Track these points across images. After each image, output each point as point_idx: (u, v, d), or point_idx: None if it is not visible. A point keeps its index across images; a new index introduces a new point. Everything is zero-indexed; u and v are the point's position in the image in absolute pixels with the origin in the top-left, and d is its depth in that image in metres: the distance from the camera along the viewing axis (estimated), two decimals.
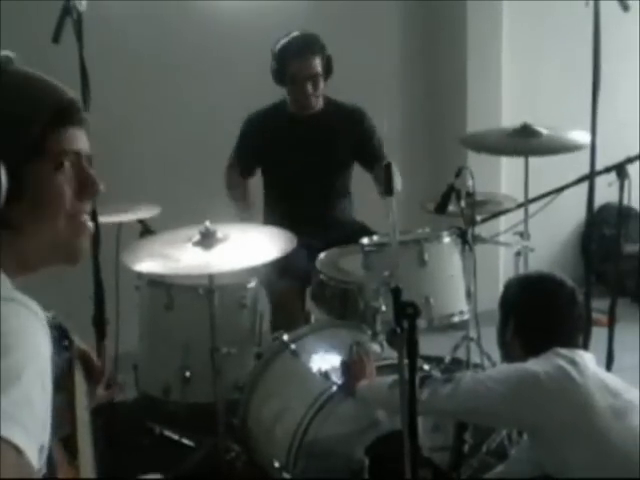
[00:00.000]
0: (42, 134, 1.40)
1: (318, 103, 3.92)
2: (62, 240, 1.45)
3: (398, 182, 3.62)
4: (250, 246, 3.06)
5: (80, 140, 1.46)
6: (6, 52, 1.46)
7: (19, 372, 1.19)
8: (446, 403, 2.46)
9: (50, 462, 1.30)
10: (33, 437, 1.18)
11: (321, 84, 3.87)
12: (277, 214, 3.91)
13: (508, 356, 2.62)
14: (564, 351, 2.42)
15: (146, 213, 3.61)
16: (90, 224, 1.50)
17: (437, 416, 2.81)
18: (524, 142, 3.68)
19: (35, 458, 1.17)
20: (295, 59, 3.80)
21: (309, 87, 3.83)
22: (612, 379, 2.46)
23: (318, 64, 3.82)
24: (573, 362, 2.38)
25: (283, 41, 3.84)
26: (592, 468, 2.27)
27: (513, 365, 2.51)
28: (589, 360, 2.44)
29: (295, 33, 3.85)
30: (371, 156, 3.97)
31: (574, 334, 2.54)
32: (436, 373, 2.85)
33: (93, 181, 1.47)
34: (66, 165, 1.43)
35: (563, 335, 2.49)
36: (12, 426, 1.14)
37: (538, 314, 2.55)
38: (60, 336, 1.69)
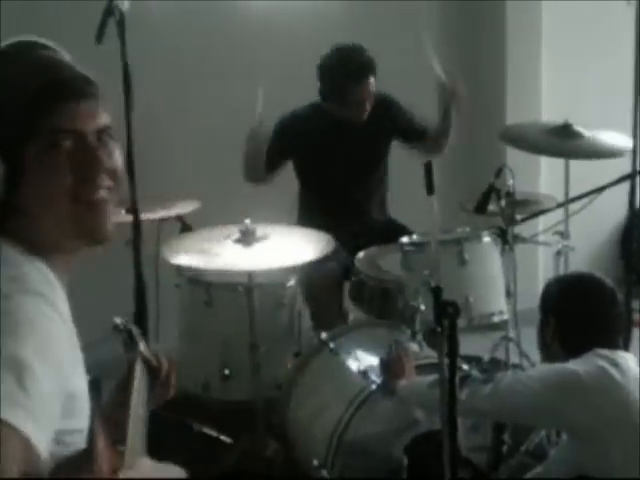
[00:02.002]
0: (30, 113, 1.36)
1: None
2: (72, 221, 1.42)
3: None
4: (289, 246, 3.08)
5: (83, 116, 1.40)
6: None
7: (30, 361, 1.20)
8: (486, 403, 2.45)
9: (89, 443, 1.33)
10: (41, 424, 1.19)
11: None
12: (314, 214, 3.90)
13: (548, 357, 2.61)
14: (605, 352, 2.40)
15: (186, 208, 3.63)
16: (105, 201, 1.44)
17: (476, 416, 2.80)
18: (564, 143, 3.65)
19: (42, 444, 1.18)
20: (356, 83, 3.73)
21: (367, 106, 3.80)
22: None
23: (374, 83, 3.77)
24: (614, 363, 2.36)
25: (340, 61, 3.75)
26: (633, 468, 2.26)
27: (553, 365, 2.49)
28: (631, 360, 2.42)
29: (344, 49, 3.76)
30: (415, 132, 3.98)
31: (615, 335, 2.51)
32: (475, 373, 2.85)
33: (94, 159, 1.41)
34: (65, 144, 1.38)
35: (603, 336, 2.47)
36: (16, 410, 1.16)
37: (578, 315, 2.53)
38: (128, 339, 1.76)
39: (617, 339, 2.52)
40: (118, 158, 1.47)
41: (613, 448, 2.29)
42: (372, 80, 3.75)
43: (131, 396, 1.61)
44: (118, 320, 1.61)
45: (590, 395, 2.32)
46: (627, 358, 2.42)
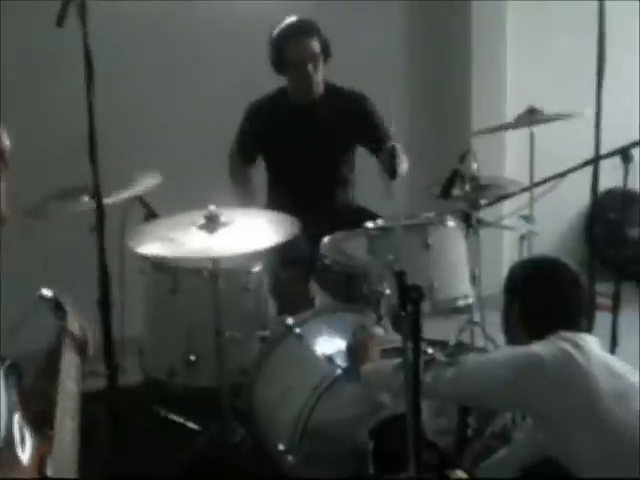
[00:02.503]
0: None
1: (319, 88, 3.92)
2: None
3: (404, 166, 3.62)
4: (254, 230, 3.07)
5: None
6: None
7: None
8: (449, 387, 2.46)
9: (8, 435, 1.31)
10: None
11: (321, 67, 3.87)
12: (281, 201, 3.91)
13: (512, 340, 2.62)
14: (568, 334, 2.42)
15: (147, 184, 3.56)
16: None
17: (440, 400, 2.82)
18: (529, 119, 3.70)
19: None
20: (292, 42, 3.83)
21: (310, 69, 3.83)
22: (616, 362, 2.46)
23: (316, 45, 3.84)
24: (577, 345, 2.38)
25: (278, 27, 3.87)
26: (594, 450, 2.28)
27: (517, 348, 2.51)
28: (593, 343, 2.44)
29: (289, 19, 3.87)
30: (375, 138, 3.97)
31: (578, 318, 2.53)
32: (440, 357, 2.86)
33: None
34: None
35: (566, 319, 2.50)
36: None
37: (542, 298, 2.55)
38: (55, 308, 1.73)
39: (580, 322, 2.54)
40: (3, 138, 1.45)
41: (576, 431, 2.31)
42: (312, 43, 3.83)
43: (60, 372, 1.59)
44: (44, 291, 1.58)
45: (553, 380, 2.33)
46: (589, 341, 2.44)
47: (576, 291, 2.57)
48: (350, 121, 3.99)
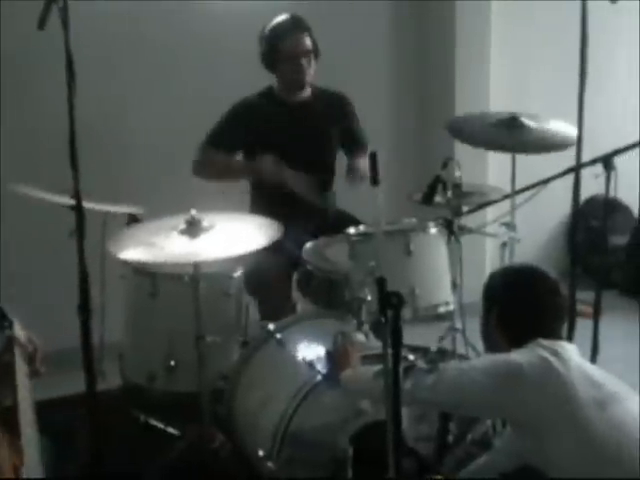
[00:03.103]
0: None
1: (308, 86, 3.94)
2: None
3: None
4: (236, 235, 3.06)
5: None
6: None
7: None
8: (429, 394, 2.46)
9: None
10: None
11: (313, 64, 3.89)
12: (265, 203, 3.90)
13: (491, 347, 2.62)
14: (546, 342, 2.42)
15: (130, 209, 3.58)
16: None
17: (420, 407, 2.82)
18: (510, 137, 3.68)
19: None
20: (287, 37, 3.86)
21: (304, 63, 3.85)
22: (595, 370, 2.46)
23: (309, 41, 3.89)
24: (556, 353, 2.38)
25: (272, 23, 3.90)
26: (574, 459, 2.28)
27: (496, 356, 2.51)
28: (572, 351, 2.44)
29: (281, 15, 3.91)
30: (355, 142, 4.01)
31: (556, 326, 2.54)
32: (421, 363, 2.85)
33: None
34: None
35: (545, 327, 2.49)
36: None
37: (520, 305, 2.55)
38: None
39: (559, 330, 2.54)
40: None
41: (554, 440, 2.31)
42: (307, 39, 3.89)
43: (16, 383, 1.58)
44: None
45: (532, 388, 2.33)
46: (568, 349, 2.44)
47: (555, 299, 2.57)
48: (336, 122, 4.03)
